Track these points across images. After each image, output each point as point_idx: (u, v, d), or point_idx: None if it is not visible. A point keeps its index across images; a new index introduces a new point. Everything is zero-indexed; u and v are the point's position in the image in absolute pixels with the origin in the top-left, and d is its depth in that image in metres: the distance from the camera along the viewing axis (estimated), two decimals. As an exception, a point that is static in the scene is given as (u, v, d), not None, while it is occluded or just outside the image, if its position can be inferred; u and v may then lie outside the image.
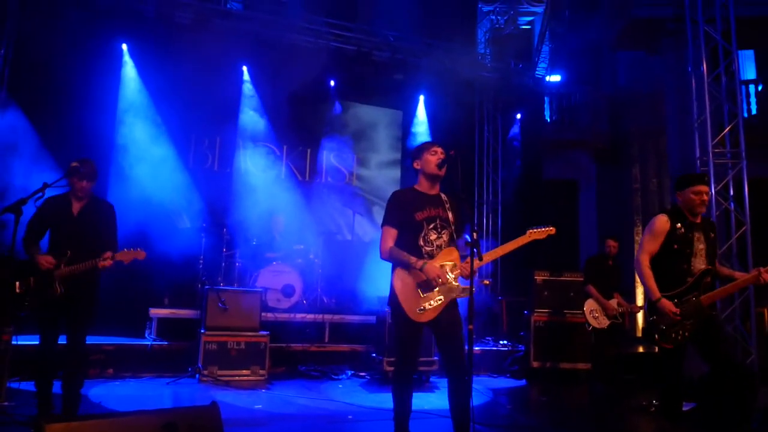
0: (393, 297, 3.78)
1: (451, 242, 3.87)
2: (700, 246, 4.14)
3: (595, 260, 7.28)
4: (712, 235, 4.22)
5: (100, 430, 2.19)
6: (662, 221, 4.20)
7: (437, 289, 3.70)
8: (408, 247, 3.79)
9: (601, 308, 6.90)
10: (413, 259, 3.69)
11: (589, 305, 6.99)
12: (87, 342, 4.49)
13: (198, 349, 6.40)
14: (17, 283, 4.32)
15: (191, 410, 2.54)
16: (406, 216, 3.84)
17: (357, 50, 10.26)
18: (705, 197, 4.17)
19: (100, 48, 8.55)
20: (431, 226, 3.84)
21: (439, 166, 3.85)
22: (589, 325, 6.96)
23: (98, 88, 8.38)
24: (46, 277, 4.31)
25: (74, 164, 4.39)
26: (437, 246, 3.82)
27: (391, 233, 3.85)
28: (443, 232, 3.86)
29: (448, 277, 3.71)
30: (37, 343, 4.38)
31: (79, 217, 4.52)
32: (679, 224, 4.15)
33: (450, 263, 3.77)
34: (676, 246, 4.11)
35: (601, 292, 6.95)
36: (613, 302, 6.93)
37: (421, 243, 3.81)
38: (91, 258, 4.37)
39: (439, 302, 3.71)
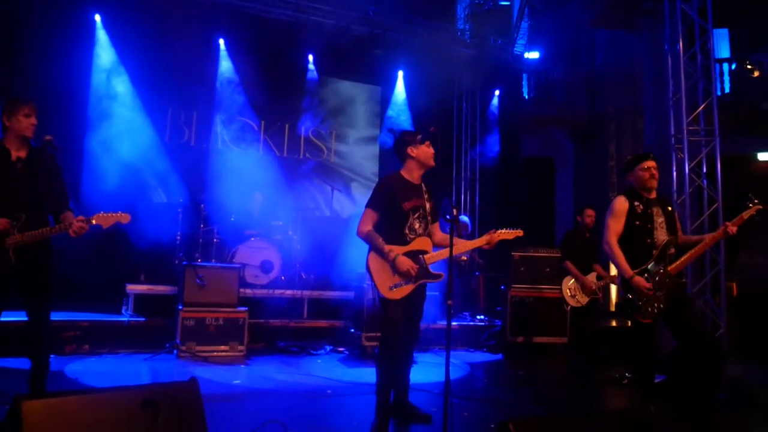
0: (369, 275, 4.01)
1: (426, 231, 4.12)
2: (660, 219, 4.30)
3: (572, 235, 7.18)
4: (669, 208, 4.39)
5: (79, 407, 2.18)
6: (620, 202, 4.36)
7: None
8: (393, 234, 3.99)
9: (580, 285, 6.81)
10: (386, 248, 3.90)
11: (567, 283, 6.88)
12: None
13: (176, 325, 6.38)
14: None
15: (170, 386, 2.55)
16: (394, 204, 4.01)
17: (335, 24, 10.14)
18: (654, 171, 4.32)
19: (71, 18, 8.35)
20: (416, 216, 4.06)
21: (435, 159, 4.07)
22: (567, 305, 6.88)
23: (70, 60, 8.21)
24: None
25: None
26: (419, 234, 4.07)
27: (372, 217, 4.02)
28: (423, 221, 4.10)
29: (420, 265, 3.97)
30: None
31: (23, 171, 3.77)
32: (636, 202, 4.32)
33: (424, 251, 4.04)
34: (637, 223, 4.27)
35: (579, 267, 6.83)
36: (592, 276, 6.82)
37: (406, 231, 4.03)
38: (43, 220, 3.80)
39: (411, 284, 3.96)
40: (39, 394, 3.60)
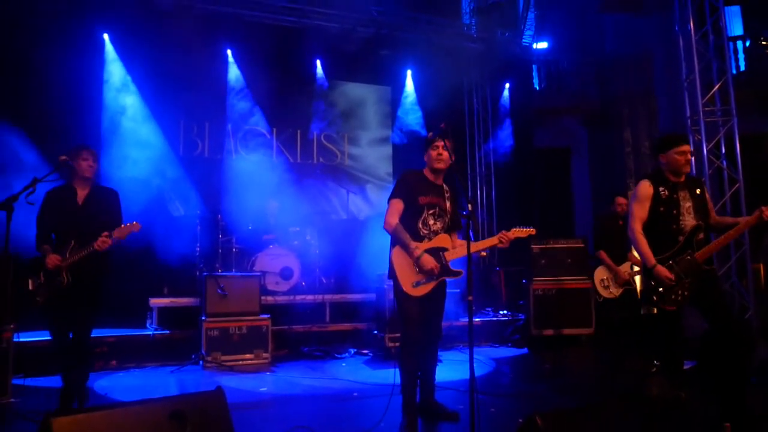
0: (392, 270, 4.06)
1: (445, 230, 4.18)
2: (687, 204, 4.15)
3: (605, 220, 6.79)
4: (698, 191, 4.22)
5: (107, 422, 2.20)
6: (645, 186, 4.21)
7: None
8: (407, 228, 4.05)
9: (613, 276, 6.51)
10: (413, 245, 3.97)
11: (600, 274, 6.59)
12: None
13: (200, 336, 6.42)
14: (30, 280, 4.33)
15: (197, 396, 2.55)
16: (411, 197, 4.10)
17: (340, 27, 10.15)
18: (689, 156, 4.20)
19: (80, 39, 8.46)
20: (431, 212, 4.13)
21: (437, 165, 4.16)
22: (600, 296, 6.63)
23: (82, 80, 8.33)
24: (54, 270, 4.31)
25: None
26: (433, 231, 4.13)
27: (398, 207, 4.10)
28: (439, 219, 4.16)
29: (441, 263, 4.02)
30: (49, 338, 4.45)
31: (83, 206, 4.49)
32: (662, 187, 4.17)
33: (445, 249, 4.10)
34: (662, 209, 4.14)
35: (613, 256, 6.51)
36: (626, 266, 6.50)
37: (420, 226, 4.10)
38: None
39: (433, 281, 4.02)
40: (71, 410, 3.77)
